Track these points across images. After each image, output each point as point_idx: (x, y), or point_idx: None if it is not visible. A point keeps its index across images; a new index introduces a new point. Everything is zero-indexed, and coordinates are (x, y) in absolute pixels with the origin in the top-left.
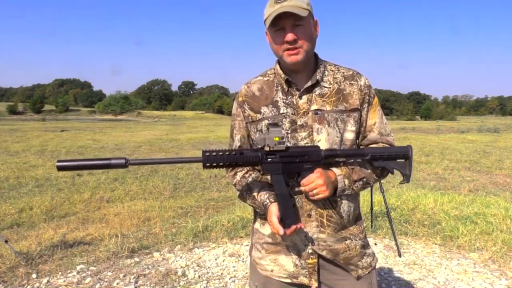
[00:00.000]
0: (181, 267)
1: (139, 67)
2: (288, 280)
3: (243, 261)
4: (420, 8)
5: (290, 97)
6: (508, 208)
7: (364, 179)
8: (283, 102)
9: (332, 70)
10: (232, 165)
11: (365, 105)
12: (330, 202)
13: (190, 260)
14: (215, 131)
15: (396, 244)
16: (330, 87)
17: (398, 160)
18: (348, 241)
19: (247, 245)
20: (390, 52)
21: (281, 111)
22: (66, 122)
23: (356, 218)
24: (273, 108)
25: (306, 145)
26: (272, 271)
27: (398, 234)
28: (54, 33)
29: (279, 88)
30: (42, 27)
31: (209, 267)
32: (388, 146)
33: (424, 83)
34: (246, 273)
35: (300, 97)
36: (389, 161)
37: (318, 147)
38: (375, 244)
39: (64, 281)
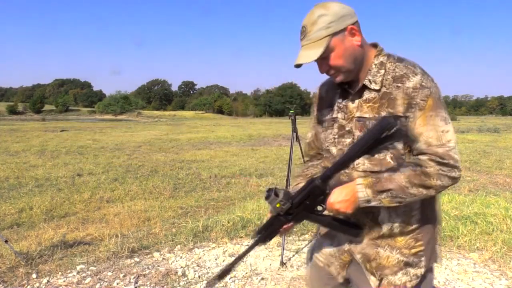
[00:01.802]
0: (181, 267)
1: (139, 67)
2: (321, 264)
3: (243, 261)
4: (420, 8)
5: (345, 100)
6: (508, 208)
7: (392, 192)
8: (337, 106)
9: (388, 69)
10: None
11: (412, 111)
12: (366, 210)
13: (190, 260)
14: (215, 131)
15: None
16: (378, 90)
17: None
18: (379, 249)
19: (247, 245)
20: (390, 52)
21: (333, 115)
22: (66, 122)
23: (408, 232)
24: (330, 111)
25: (301, 184)
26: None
27: None
28: (54, 33)
29: (339, 91)
30: (42, 27)
31: (209, 267)
32: (437, 158)
33: None
34: (246, 273)
35: (352, 101)
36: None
37: (312, 180)
38: None
39: (64, 281)
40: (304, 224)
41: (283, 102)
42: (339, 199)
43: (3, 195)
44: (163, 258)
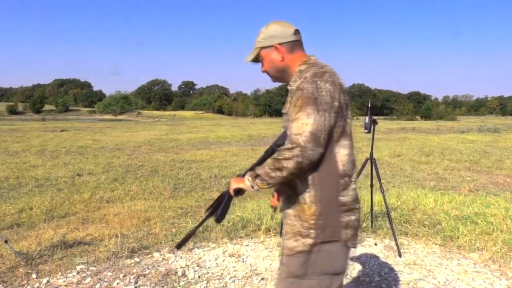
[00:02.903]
0: (181, 267)
1: (139, 67)
2: None
3: (243, 261)
4: (420, 8)
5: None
6: (508, 208)
7: (260, 176)
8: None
9: (302, 76)
10: None
11: (290, 108)
12: (288, 185)
13: (190, 260)
14: (215, 131)
15: (396, 244)
16: (291, 92)
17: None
18: (294, 218)
19: (247, 245)
20: (390, 52)
21: (284, 111)
22: (66, 122)
23: (310, 207)
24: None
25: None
26: None
27: (398, 234)
28: (54, 33)
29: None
30: (42, 27)
31: (209, 267)
32: (288, 145)
33: (424, 83)
34: (246, 273)
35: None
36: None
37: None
38: (375, 244)
39: (64, 281)
40: None
41: (283, 102)
42: (233, 180)
43: (3, 195)
44: (163, 258)
